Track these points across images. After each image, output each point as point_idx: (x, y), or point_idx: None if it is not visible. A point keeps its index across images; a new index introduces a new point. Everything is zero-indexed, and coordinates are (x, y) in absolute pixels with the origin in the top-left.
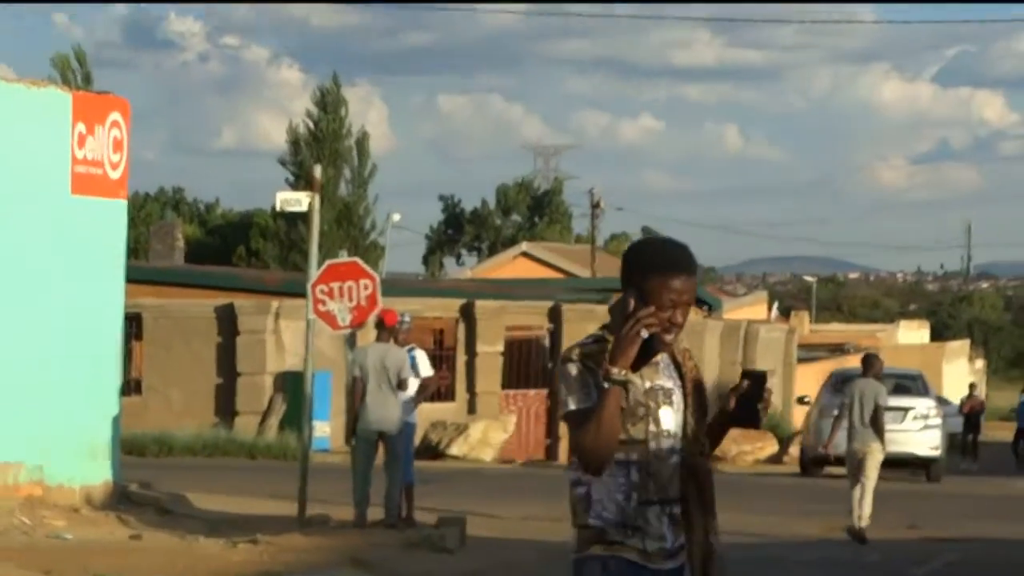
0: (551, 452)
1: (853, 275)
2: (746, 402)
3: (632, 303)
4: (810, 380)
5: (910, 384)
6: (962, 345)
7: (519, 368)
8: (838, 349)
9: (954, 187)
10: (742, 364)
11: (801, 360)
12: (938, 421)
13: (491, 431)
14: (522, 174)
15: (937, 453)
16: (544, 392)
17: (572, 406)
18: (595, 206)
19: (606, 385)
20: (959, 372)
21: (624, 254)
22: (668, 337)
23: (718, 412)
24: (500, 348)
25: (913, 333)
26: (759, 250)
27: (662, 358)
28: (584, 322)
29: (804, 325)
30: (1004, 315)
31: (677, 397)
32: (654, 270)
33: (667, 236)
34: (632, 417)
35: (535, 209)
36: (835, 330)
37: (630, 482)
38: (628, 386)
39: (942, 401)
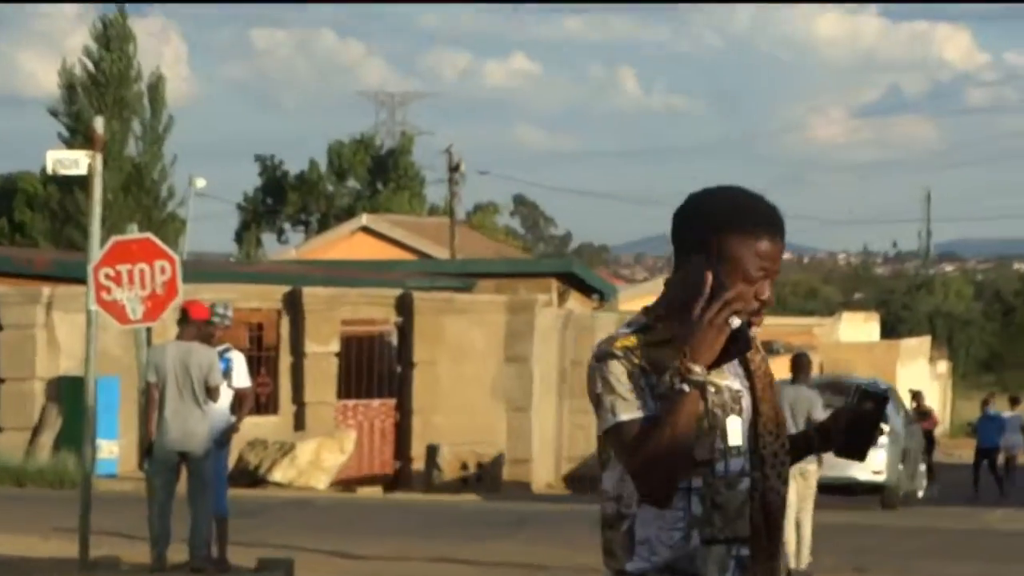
0: (401, 477)
1: (784, 256)
2: (861, 429)
3: (709, 276)
4: None
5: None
6: (921, 343)
7: (360, 373)
8: (764, 348)
9: (908, 147)
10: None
11: None
12: (885, 440)
13: (325, 452)
14: (361, 129)
15: (882, 477)
16: (392, 403)
17: (623, 416)
18: (454, 169)
19: (682, 387)
20: (917, 376)
21: (687, 207)
22: (757, 325)
23: (816, 433)
24: (335, 347)
25: (859, 328)
26: (663, 225)
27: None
28: (442, 315)
29: None
30: (973, 305)
31: (746, 402)
32: (739, 228)
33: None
34: (696, 431)
35: (378, 173)
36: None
37: (690, 515)
38: (707, 390)
39: (918, 416)
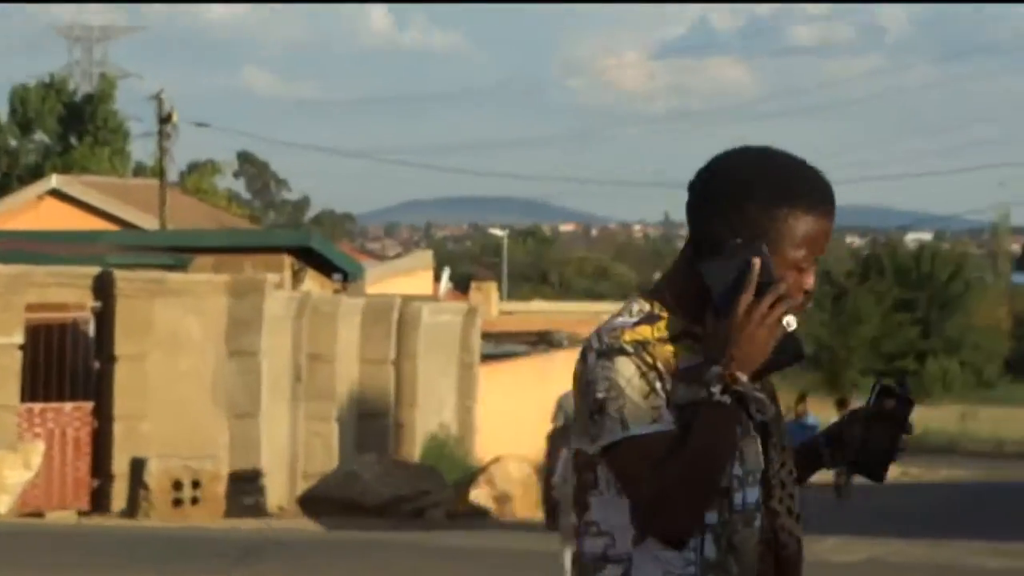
0: (100, 498)
1: (567, 227)
2: (881, 436)
3: (759, 265)
4: (499, 388)
5: None
6: None
7: (49, 370)
8: (543, 340)
9: (720, 93)
10: (412, 360)
11: (487, 357)
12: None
13: (5, 468)
14: (50, 70)
15: None
16: (88, 407)
17: (636, 428)
18: (165, 120)
19: (723, 399)
20: None
21: (716, 175)
22: (794, 323)
23: (826, 443)
24: (17, 339)
25: None
26: (420, 189)
27: None
28: (149, 298)
29: (491, 303)
30: None
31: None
32: (795, 204)
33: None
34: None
35: (71, 124)
36: (539, 311)
37: (702, 559)
38: (752, 405)
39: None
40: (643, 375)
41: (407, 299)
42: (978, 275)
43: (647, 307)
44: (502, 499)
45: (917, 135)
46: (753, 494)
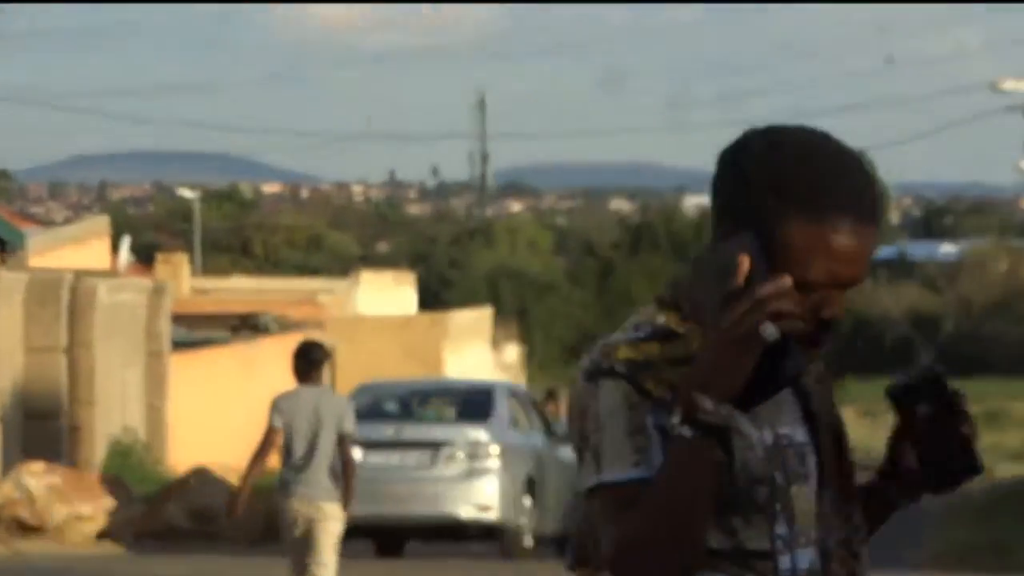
0: None
1: (271, 187)
2: (949, 440)
3: (745, 261)
4: (194, 382)
5: (468, 404)
6: (478, 317)
7: None
8: (246, 325)
9: (451, 30)
10: (88, 348)
11: (179, 345)
12: (496, 463)
13: None
14: None
15: (492, 515)
16: None
17: (609, 475)
18: None
19: (681, 433)
20: (476, 365)
21: (738, 153)
22: (813, 352)
23: (885, 481)
24: None
25: (386, 294)
26: (91, 142)
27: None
28: None
29: (181, 279)
30: (554, 261)
31: (811, 462)
32: (807, 204)
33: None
34: (742, 506)
35: None
36: (240, 289)
37: None
38: (731, 438)
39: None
40: (632, 407)
41: (80, 274)
42: None
43: (660, 319)
44: (202, 517)
45: (690, 80)
46: (806, 558)
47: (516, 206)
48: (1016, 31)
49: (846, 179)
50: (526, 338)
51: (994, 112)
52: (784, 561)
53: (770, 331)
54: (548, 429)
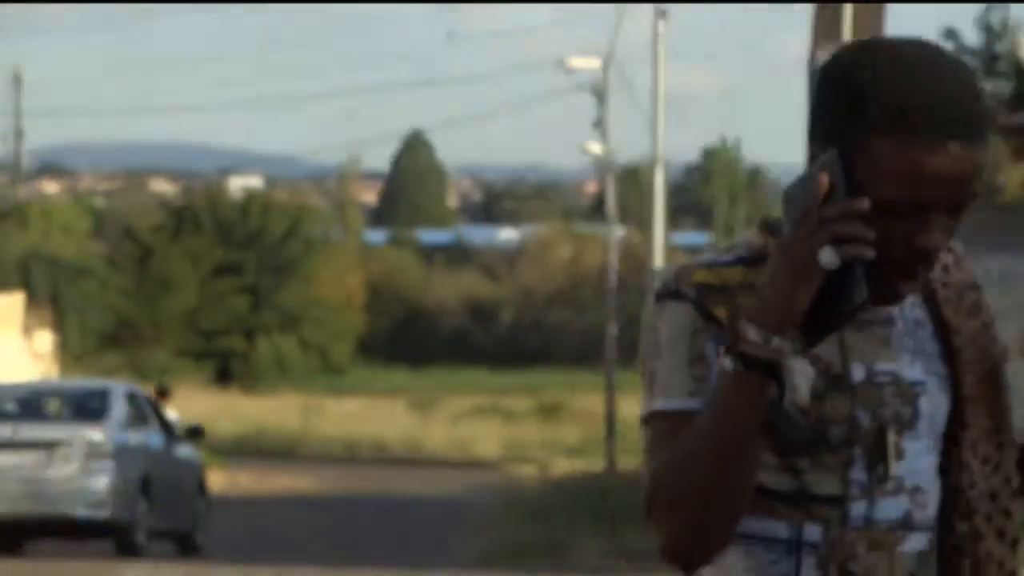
0: None
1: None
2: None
3: (824, 180)
4: None
5: (83, 405)
6: (9, 304)
7: None
8: None
9: None
10: None
11: None
12: (110, 463)
13: None
14: None
15: (105, 513)
16: None
17: (662, 403)
18: None
19: (723, 365)
20: (6, 356)
21: (833, 67)
22: (908, 284)
23: None
24: None
25: None
26: None
27: (905, 309)
28: None
29: None
30: (91, 246)
31: (938, 403)
32: (895, 123)
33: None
34: (812, 445)
35: None
36: None
37: None
38: (784, 372)
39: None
40: (694, 333)
41: None
42: (322, 232)
43: (757, 242)
44: None
45: (243, 54)
46: (893, 506)
47: (52, 187)
48: (585, 7)
49: (942, 94)
50: (60, 326)
51: (561, 91)
52: (857, 508)
53: (828, 257)
54: (166, 428)
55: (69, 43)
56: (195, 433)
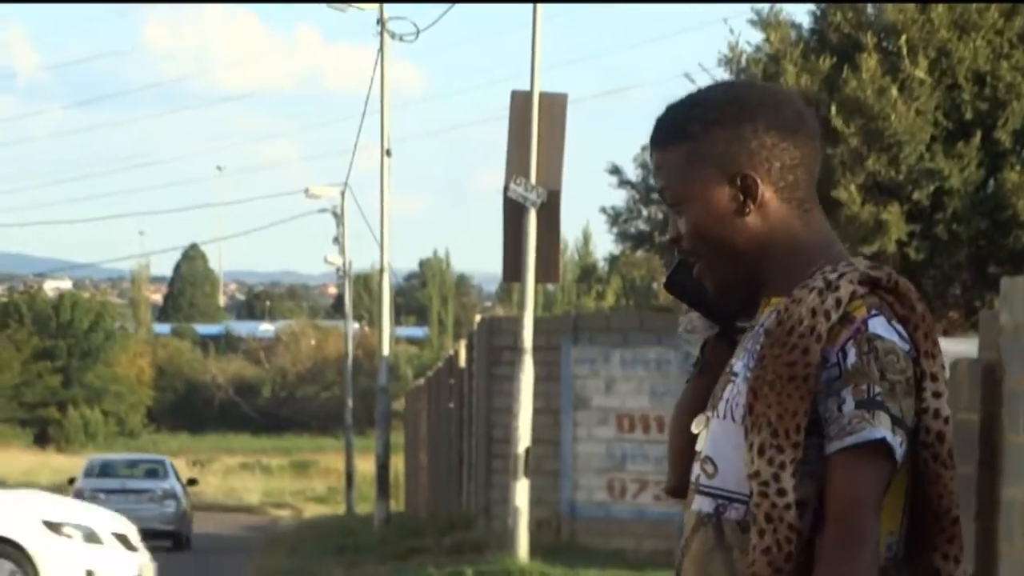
0: None
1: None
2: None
3: None
4: None
5: None
6: None
7: None
8: None
9: None
10: None
11: None
12: (172, 501)
13: None
14: None
15: (172, 527)
16: None
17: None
18: None
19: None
20: None
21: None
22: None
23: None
24: None
25: None
26: None
27: (764, 317)
28: None
29: None
30: None
31: (737, 391)
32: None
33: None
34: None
35: None
36: None
37: None
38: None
39: None
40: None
41: None
42: (120, 324)
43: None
44: None
45: (53, 182)
46: (696, 470)
47: None
48: (327, 143)
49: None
50: None
51: (308, 213)
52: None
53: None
54: (180, 482)
55: None
56: (192, 482)
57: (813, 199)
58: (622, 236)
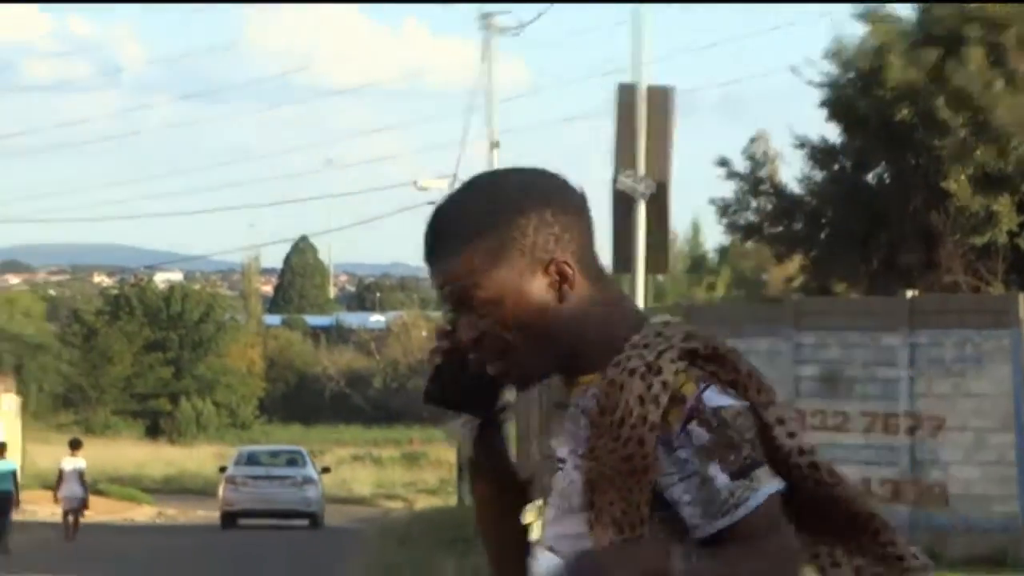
0: None
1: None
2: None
3: None
4: None
5: None
6: None
7: None
8: None
9: None
10: None
11: None
12: (312, 486)
13: None
14: None
15: (312, 508)
16: None
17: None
18: None
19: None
20: None
21: None
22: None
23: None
24: None
25: None
26: None
27: (581, 398)
28: None
29: None
30: (46, 326)
31: (569, 479)
32: None
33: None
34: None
35: None
36: None
37: None
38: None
39: None
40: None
41: None
42: (230, 316)
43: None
44: None
45: (162, 175)
46: (546, 561)
47: (14, 279)
48: (434, 135)
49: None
50: (22, 391)
51: (417, 205)
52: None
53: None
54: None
55: (27, 164)
56: (326, 470)
57: (602, 267)
58: (731, 227)
